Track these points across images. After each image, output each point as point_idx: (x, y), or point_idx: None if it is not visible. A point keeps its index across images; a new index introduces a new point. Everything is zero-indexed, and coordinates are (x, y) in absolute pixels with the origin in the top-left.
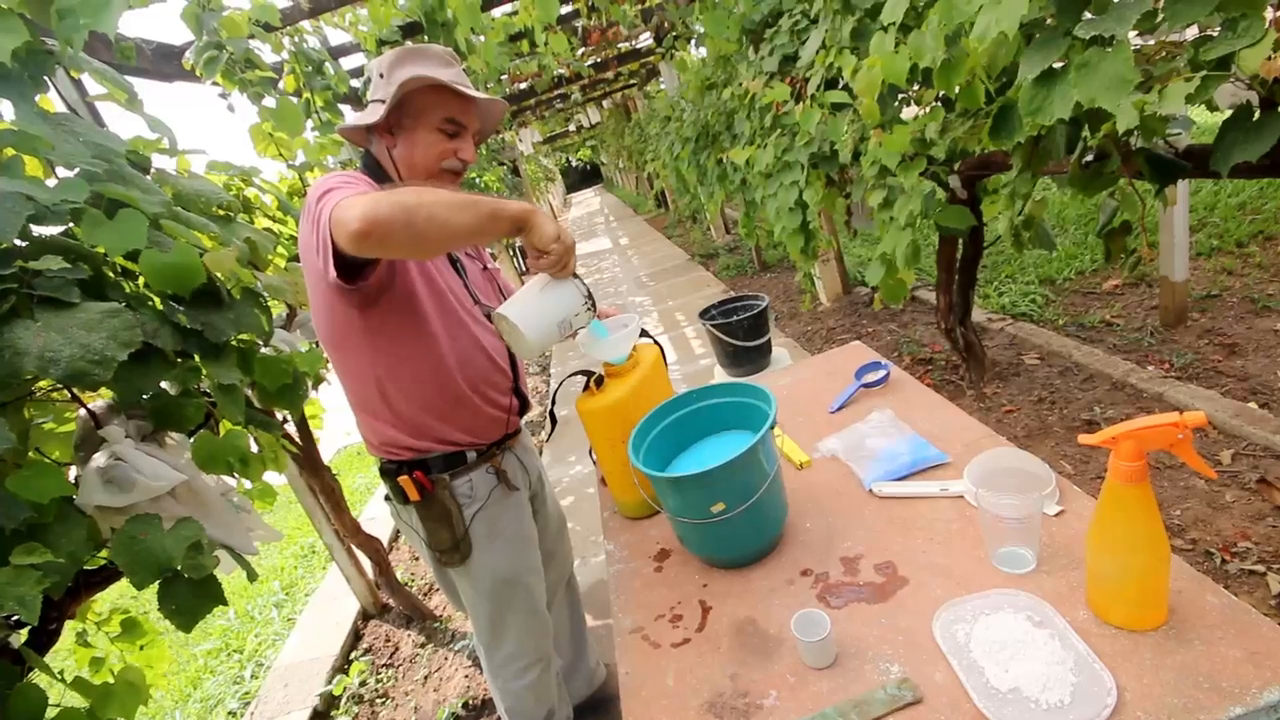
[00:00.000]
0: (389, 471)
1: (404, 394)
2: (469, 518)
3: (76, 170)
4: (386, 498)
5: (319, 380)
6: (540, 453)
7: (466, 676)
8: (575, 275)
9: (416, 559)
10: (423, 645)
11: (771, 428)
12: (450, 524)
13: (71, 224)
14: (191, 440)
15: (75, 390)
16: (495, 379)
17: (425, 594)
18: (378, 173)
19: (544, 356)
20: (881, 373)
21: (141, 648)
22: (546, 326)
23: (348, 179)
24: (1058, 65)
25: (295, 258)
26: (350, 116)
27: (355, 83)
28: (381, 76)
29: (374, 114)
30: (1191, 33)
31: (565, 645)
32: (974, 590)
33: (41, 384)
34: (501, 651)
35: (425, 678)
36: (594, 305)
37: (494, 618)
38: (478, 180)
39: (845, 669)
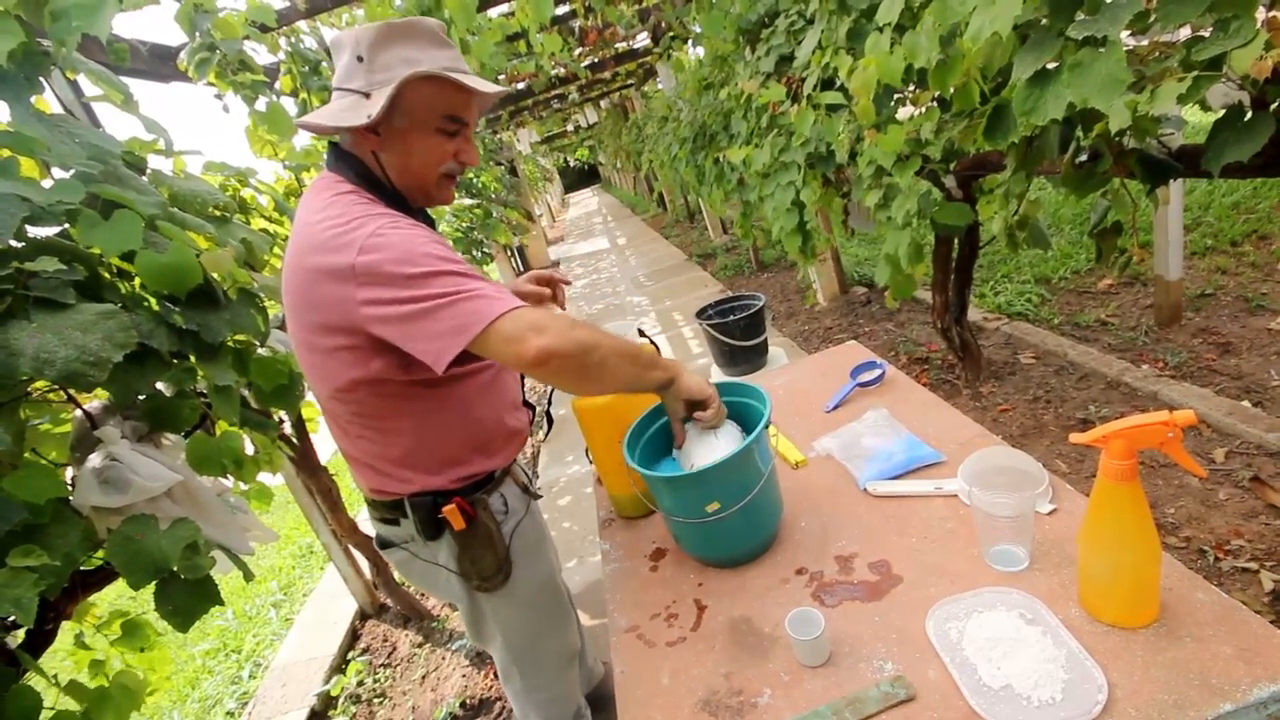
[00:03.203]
0: (419, 506)
1: (442, 437)
2: (508, 534)
3: (72, 171)
4: (383, 545)
5: None
6: (538, 452)
7: (464, 676)
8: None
9: None
10: (420, 645)
11: (766, 427)
12: (493, 546)
13: (67, 225)
14: (186, 441)
15: (71, 391)
16: (516, 396)
17: (423, 594)
18: (368, 177)
19: None
20: (877, 372)
21: (143, 650)
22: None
23: (408, 230)
24: (1051, 66)
25: None
26: (320, 112)
27: None
28: (360, 60)
29: (357, 112)
30: (1184, 33)
31: None
32: (967, 588)
33: (37, 385)
34: (541, 660)
35: (423, 677)
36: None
37: (535, 628)
38: (475, 180)
39: (839, 667)
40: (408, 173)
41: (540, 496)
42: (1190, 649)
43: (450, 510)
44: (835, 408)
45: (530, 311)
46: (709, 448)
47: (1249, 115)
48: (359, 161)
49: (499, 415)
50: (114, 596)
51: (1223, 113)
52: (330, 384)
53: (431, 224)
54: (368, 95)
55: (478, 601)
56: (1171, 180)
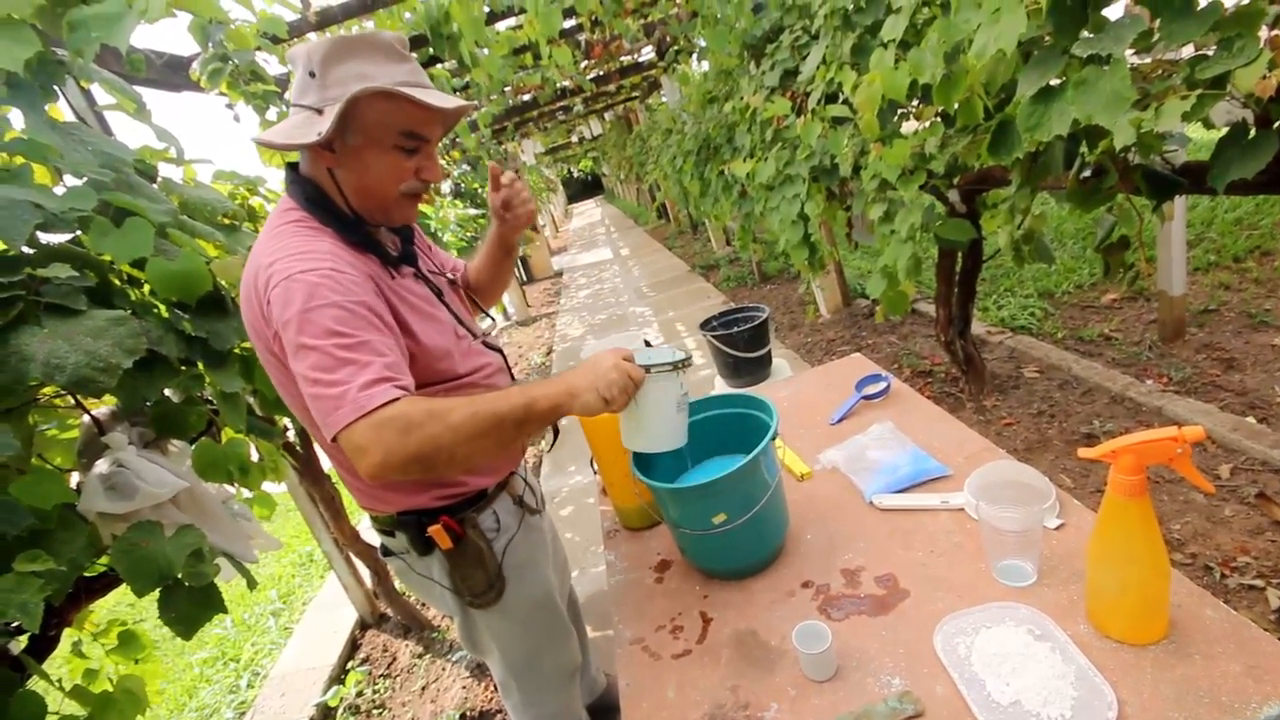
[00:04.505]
0: (407, 524)
1: None
2: (499, 552)
3: (85, 179)
4: (385, 552)
5: None
6: (540, 462)
7: (464, 687)
8: (649, 369)
9: None
10: (420, 655)
11: (773, 439)
12: (484, 564)
13: (79, 232)
14: (192, 448)
15: (79, 397)
16: None
17: (423, 604)
18: (319, 199)
19: (545, 367)
20: (882, 385)
21: (136, 661)
22: (669, 428)
23: (330, 289)
24: (1055, 83)
25: None
26: (275, 129)
27: None
28: (313, 76)
29: (308, 129)
30: (1187, 51)
31: None
32: (975, 603)
33: (45, 390)
34: (540, 675)
35: (422, 688)
36: (681, 363)
37: (533, 645)
38: (480, 190)
39: (846, 681)
40: (365, 192)
41: (538, 512)
42: (1199, 666)
43: (436, 530)
44: (840, 420)
45: (363, 426)
46: (651, 410)
47: (1253, 133)
48: (310, 183)
49: None
50: (114, 603)
51: (1227, 130)
52: (295, 406)
53: (410, 236)
54: (320, 111)
55: (471, 616)
56: (1174, 197)
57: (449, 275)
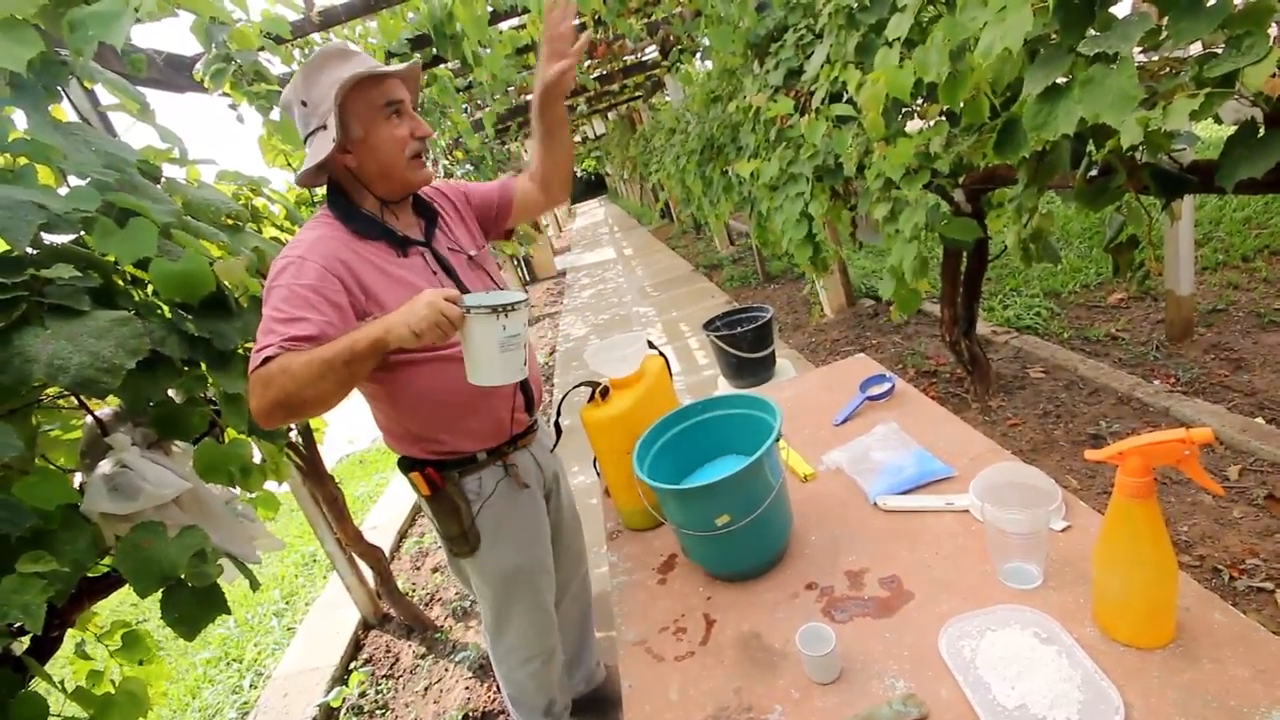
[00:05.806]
0: (403, 466)
1: (406, 416)
2: (476, 512)
3: (88, 179)
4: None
5: None
6: None
7: (467, 688)
8: (469, 310)
9: (418, 569)
10: (423, 656)
11: (777, 440)
12: (458, 518)
13: (83, 232)
14: (195, 448)
15: (82, 397)
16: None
17: (426, 604)
18: (346, 207)
19: (548, 366)
20: (886, 385)
21: (140, 663)
22: (494, 364)
23: (289, 274)
24: (1062, 81)
25: None
26: (305, 162)
27: None
28: (305, 105)
29: (325, 144)
30: (1195, 49)
31: (571, 639)
32: (980, 605)
33: (49, 391)
34: (505, 642)
35: (425, 689)
36: (502, 308)
37: (499, 609)
38: None
39: (850, 684)
40: (382, 170)
41: (527, 486)
42: (1207, 670)
43: (415, 476)
44: (844, 421)
45: (250, 382)
46: (476, 347)
47: (1262, 132)
48: (334, 185)
49: (468, 400)
50: (117, 602)
51: (1235, 129)
52: None
53: (432, 217)
54: (325, 126)
55: (458, 560)
56: (1183, 195)
57: (470, 252)
